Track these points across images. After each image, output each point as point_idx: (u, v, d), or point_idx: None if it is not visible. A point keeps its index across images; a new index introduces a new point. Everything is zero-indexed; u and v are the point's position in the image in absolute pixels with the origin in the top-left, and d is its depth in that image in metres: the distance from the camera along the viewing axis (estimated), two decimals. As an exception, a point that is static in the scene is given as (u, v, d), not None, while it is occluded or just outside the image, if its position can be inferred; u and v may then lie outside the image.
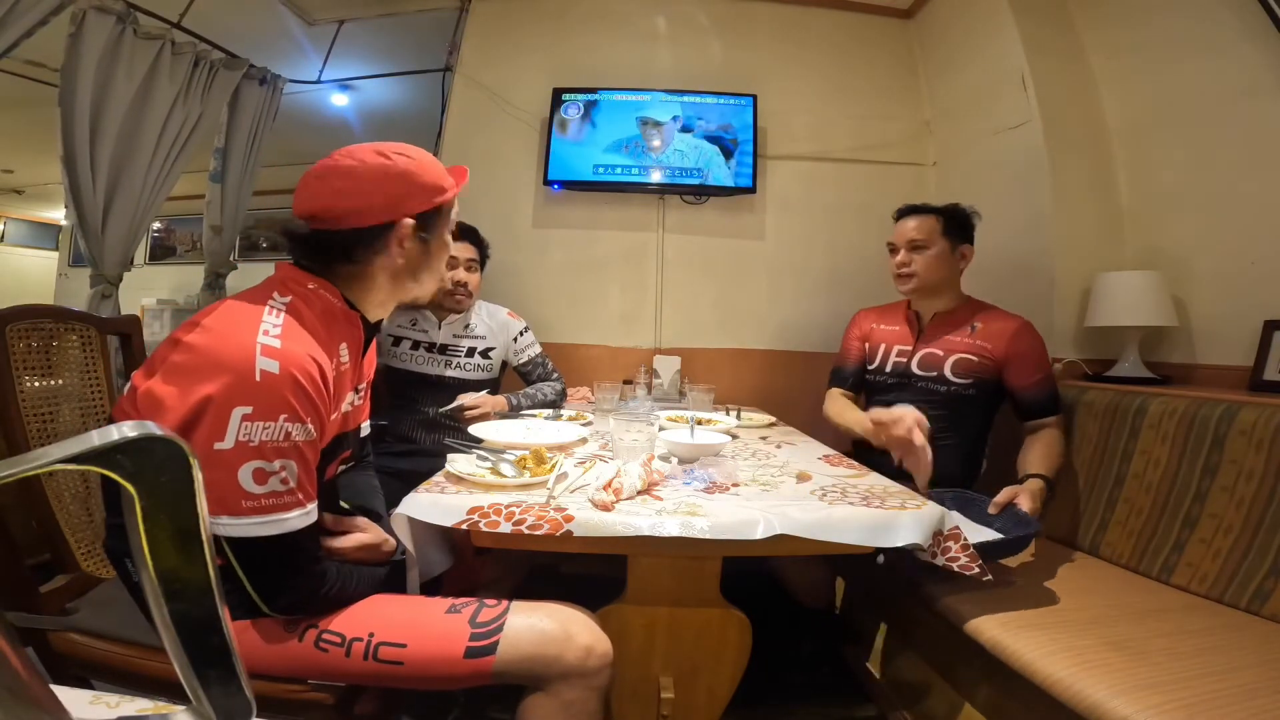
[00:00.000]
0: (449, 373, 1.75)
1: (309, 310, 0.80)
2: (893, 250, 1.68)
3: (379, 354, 1.74)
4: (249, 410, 0.69)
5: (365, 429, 1.04)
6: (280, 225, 0.87)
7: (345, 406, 0.90)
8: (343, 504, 1.01)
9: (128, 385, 0.77)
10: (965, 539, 0.99)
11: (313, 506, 0.77)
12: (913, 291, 1.65)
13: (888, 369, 1.70)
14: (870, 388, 1.79)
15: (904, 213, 1.69)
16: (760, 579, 1.70)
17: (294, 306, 0.79)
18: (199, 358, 0.71)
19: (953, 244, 1.60)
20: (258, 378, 0.69)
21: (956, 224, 1.62)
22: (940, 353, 1.61)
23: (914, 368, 1.64)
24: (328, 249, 0.84)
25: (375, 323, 0.93)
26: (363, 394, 0.98)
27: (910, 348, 1.67)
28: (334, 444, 0.87)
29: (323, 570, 0.80)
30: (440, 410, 1.66)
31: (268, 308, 0.76)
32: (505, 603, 0.84)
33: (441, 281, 1.60)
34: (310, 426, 0.75)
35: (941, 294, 1.64)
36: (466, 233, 1.72)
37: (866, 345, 1.79)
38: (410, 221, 0.84)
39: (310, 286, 0.83)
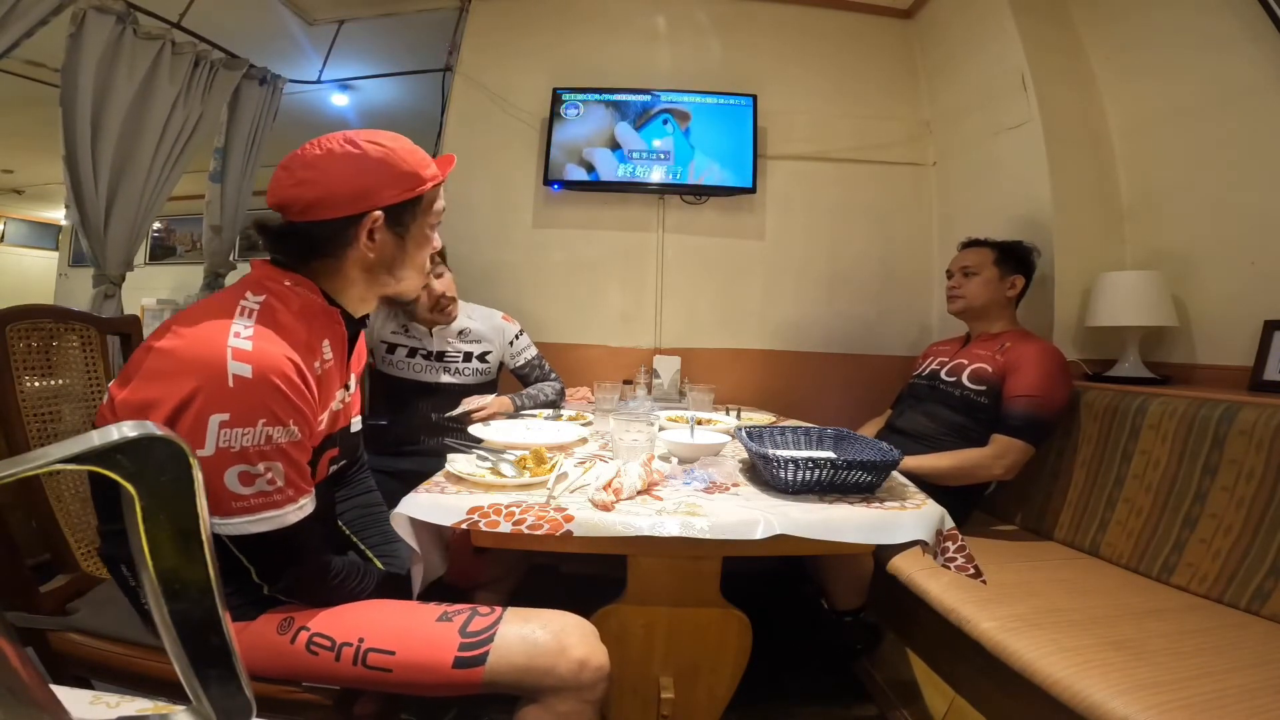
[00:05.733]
0: (447, 379, 1.74)
1: (286, 308, 0.77)
2: (949, 275, 1.78)
3: (376, 362, 1.73)
4: (226, 417, 0.67)
5: (356, 424, 1.01)
6: (255, 220, 0.85)
7: (335, 405, 0.88)
8: (341, 525, 1.00)
9: (106, 395, 0.74)
10: (962, 540, 1.00)
11: (306, 500, 0.76)
12: (960, 312, 1.76)
13: (925, 374, 1.78)
14: (907, 391, 1.84)
15: (965, 244, 1.78)
16: (767, 578, 1.71)
17: (268, 305, 0.76)
18: (171, 364, 0.69)
19: (1003, 273, 1.68)
20: (230, 383, 0.67)
21: (1011, 256, 1.69)
22: (966, 362, 1.66)
23: (942, 374, 1.70)
24: (295, 242, 0.81)
25: (361, 318, 0.90)
26: (352, 391, 0.96)
27: (948, 359, 1.73)
28: (321, 442, 0.85)
29: (326, 560, 0.79)
30: (446, 415, 1.65)
31: (239, 309, 0.74)
32: (499, 611, 0.81)
33: (425, 291, 1.57)
34: (294, 428, 0.73)
35: (991, 318, 1.71)
36: None
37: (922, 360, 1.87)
38: (378, 214, 0.79)
39: (286, 284, 0.80)
